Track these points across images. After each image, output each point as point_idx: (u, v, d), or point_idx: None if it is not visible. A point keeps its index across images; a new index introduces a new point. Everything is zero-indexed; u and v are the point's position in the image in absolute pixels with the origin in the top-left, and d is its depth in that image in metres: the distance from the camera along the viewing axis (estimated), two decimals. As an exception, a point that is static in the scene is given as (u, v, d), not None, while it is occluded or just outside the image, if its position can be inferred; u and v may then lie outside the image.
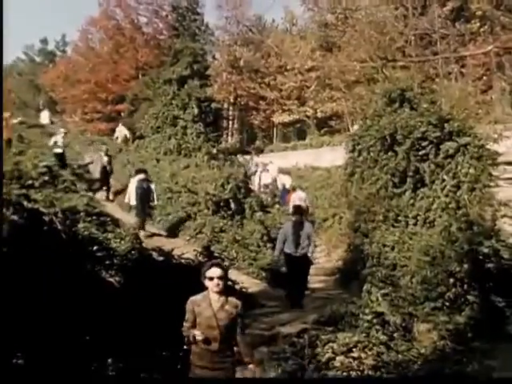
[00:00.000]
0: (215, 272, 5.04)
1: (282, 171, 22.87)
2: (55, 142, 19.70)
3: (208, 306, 4.99)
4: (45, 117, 32.86)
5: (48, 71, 49.34)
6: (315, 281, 13.19)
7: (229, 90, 38.40)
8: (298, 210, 11.92)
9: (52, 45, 59.50)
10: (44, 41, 59.85)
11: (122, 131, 30.38)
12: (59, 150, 19.49)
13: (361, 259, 13.06)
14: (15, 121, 22.18)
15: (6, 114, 20.70)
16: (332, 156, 23.79)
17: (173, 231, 16.32)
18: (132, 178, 16.70)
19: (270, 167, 22.74)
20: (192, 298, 5.13)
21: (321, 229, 17.77)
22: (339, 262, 14.63)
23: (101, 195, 18.94)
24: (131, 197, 16.04)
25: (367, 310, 8.14)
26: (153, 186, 16.27)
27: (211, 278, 5.02)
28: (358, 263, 13.04)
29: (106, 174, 19.56)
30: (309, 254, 11.00)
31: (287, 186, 21.08)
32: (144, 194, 15.67)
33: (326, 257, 16.17)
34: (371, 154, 15.10)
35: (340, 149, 20.14)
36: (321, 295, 12.11)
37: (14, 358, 6.20)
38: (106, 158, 19.64)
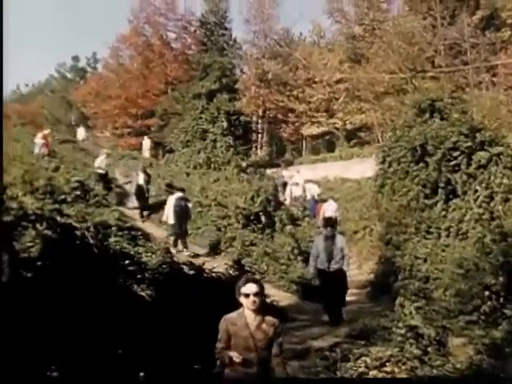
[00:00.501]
0: (251, 288, 4.67)
1: (309, 181, 22.77)
2: (99, 164, 19.80)
3: (244, 326, 4.61)
4: (81, 133, 33.37)
5: (79, 88, 50.21)
6: (347, 294, 13.08)
7: (257, 104, 38.52)
8: (328, 222, 11.18)
9: (83, 62, 60.58)
10: (75, 58, 60.95)
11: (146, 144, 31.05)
12: (103, 171, 19.57)
13: (392, 272, 12.90)
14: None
15: (46, 131, 21.04)
16: (362, 168, 23.66)
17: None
18: (170, 196, 16.51)
19: (297, 176, 22.70)
20: (226, 317, 4.73)
21: (351, 241, 17.62)
22: (370, 275, 14.43)
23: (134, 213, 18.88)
24: (169, 215, 15.76)
25: (400, 324, 8.00)
26: (190, 205, 16.21)
27: (247, 295, 4.64)
28: (390, 276, 12.87)
29: (142, 192, 19.01)
30: (344, 268, 10.43)
31: (315, 195, 21.04)
32: (182, 213, 15.47)
33: (357, 269, 15.97)
34: (402, 165, 14.99)
35: (370, 160, 20.06)
36: (352, 308, 11.96)
37: (48, 371, 6.25)
38: (142, 176, 19.12)
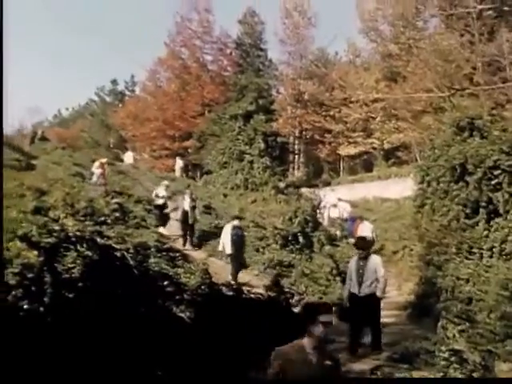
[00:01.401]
0: (330, 317, 4.11)
1: (340, 200, 22.62)
2: (157, 194, 19.13)
3: (304, 360, 4.02)
4: (129, 157, 33.80)
5: (118, 111, 51.14)
6: (386, 315, 12.86)
7: (294, 124, 38.63)
8: (360, 242, 10.67)
9: (122, 85, 61.84)
10: (114, 81, 62.27)
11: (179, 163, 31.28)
12: (160, 202, 18.98)
13: (434, 293, 12.65)
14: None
15: (103, 160, 21.04)
16: (400, 187, 23.46)
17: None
18: (226, 224, 15.88)
19: (330, 195, 22.59)
20: (281, 349, 4.13)
21: (391, 262, 17.40)
22: (411, 296, 14.17)
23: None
24: (226, 245, 15.01)
25: (443, 347, 7.81)
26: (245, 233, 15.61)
27: (325, 324, 4.06)
28: (431, 297, 12.62)
29: (187, 219, 18.01)
30: (378, 293, 9.56)
31: (346, 214, 20.87)
32: (239, 242, 14.82)
33: (396, 290, 15.75)
34: (441, 184, 14.79)
35: (408, 180, 19.86)
36: (393, 330, 11.76)
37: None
38: (189, 201, 18.22)
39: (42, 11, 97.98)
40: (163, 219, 18.67)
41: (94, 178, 19.89)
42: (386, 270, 17.01)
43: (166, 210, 19.38)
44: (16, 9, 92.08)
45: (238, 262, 14.85)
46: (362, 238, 11.70)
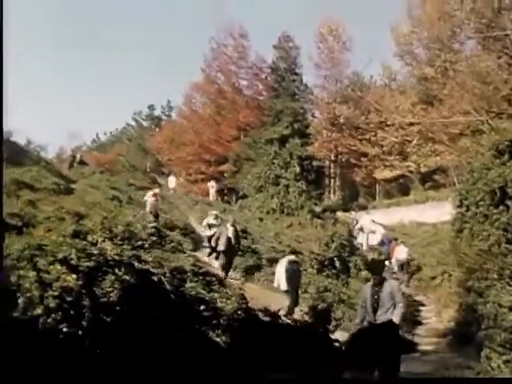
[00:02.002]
0: None
1: (373, 221, 22.41)
2: (208, 224, 18.56)
3: None
4: (172, 181, 34.16)
5: (155, 135, 51.90)
6: (425, 342, 12.62)
7: (329, 148, 38.51)
8: (373, 266, 10.31)
9: (158, 110, 62.80)
10: (151, 107, 63.31)
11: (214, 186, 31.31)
12: (210, 233, 18.12)
13: (475, 320, 12.31)
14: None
15: (156, 190, 21.07)
16: (438, 211, 23.16)
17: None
18: (281, 259, 15.17)
19: (365, 217, 22.39)
20: None
21: (429, 287, 17.10)
22: (451, 323, 13.87)
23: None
24: (281, 281, 14.15)
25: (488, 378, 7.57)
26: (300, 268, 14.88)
27: None
28: (472, 325, 12.28)
29: (231, 246, 17.06)
30: (394, 319, 8.81)
31: (380, 236, 20.64)
32: (295, 278, 14.02)
33: (436, 317, 15.46)
34: (480, 208, 14.50)
35: (446, 204, 19.56)
36: (432, 358, 11.50)
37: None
38: (232, 230, 17.28)
39: (81, 36, 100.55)
40: (212, 249, 17.77)
41: (148, 208, 19.71)
42: (425, 296, 16.82)
43: (208, 234, 18.53)
44: (55, 33, 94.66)
45: (294, 299, 13.92)
46: (376, 262, 11.00)
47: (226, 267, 16.69)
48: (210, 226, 18.37)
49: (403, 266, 19.40)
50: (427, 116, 31.59)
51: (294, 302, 13.79)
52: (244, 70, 42.95)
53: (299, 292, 14.38)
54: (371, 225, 21.87)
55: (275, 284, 14.59)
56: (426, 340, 12.80)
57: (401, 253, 19.71)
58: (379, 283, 9.07)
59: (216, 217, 18.75)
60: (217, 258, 17.24)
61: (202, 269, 12.66)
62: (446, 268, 16.72)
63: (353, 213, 25.35)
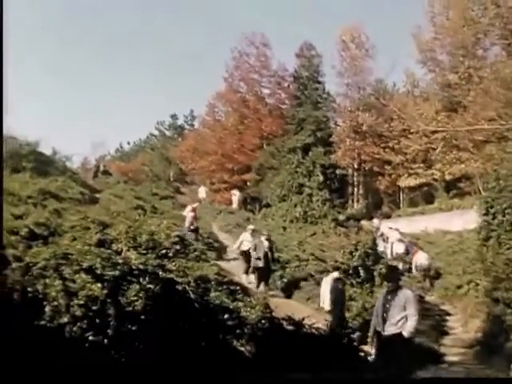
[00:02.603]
0: None
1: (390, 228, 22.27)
2: (242, 242, 17.80)
3: None
4: (202, 192, 34.26)
5: (178, 144, 52.19)
6: (452, 353, 12.44)
7: (353, 156, 38.35)
8: (388, 273, 9.52)
9: (181, 119, 63.22)
10: (174, 116, 63.75)
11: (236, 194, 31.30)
12: (245, 248, 17.41)
13: (503, 330, 12.14)
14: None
15: (194, 205, 20.82)
16: (463, 220, 22.88)
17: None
18: (325, 277, 15.00)
19: (382, 225, 22.25)
20: None
21: (455, 296, 16.88)
22: (478, 333, 13.66)
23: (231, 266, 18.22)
24: (325, 300, 14.04)
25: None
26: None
27: None
28: (500, 335, 12.11)
29: (267, 263, 16.52)
30: (404, 333, 8.16)
31: (396, 241, 20.51)
32: (339, 297, 13.67)
33: (462, 327, 15.23)
34: (507, 216, 14.35)
35: (472, 212, 19.35)
36: (459, 369, 11.33)
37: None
38: (267, 244, 16.79)
39: (104, 47, 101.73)
40: (249, 266, 17.11)
41: (187, 223, 19.33)
42: (451, 306, 16.59)
43: (243, 248, 17.68)
44: (81, 45, 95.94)
45: (338, 318, 13.53)
46: (391, 268, 10.60)
47: (263, 283, 16.12)
48: (246, 242, 17.61)
49: (424, 272, 19.30)
50: (451, 123, 31.30)
51: (341, 321, 13.22)
52: (266, 79, 43.07)
53: (345, 311, 13.76)
54: (391, 232, 21.76)
55: (321, 304, 14.38)
56: (453, 350, 12.62)
57: (421, 258, 19.59)
58: (393, 291, 8.45)
59: (253, 231, 18.10)
60: (246, 273, 16.94)
61: (226, 278, 12.69)
62: (473, 277, 16.50)
63: (375, 221, 25.14)
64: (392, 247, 20.84)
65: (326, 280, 14.30)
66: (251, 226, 18.93)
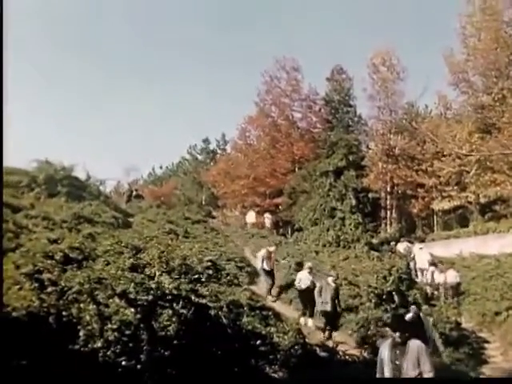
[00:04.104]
0: None
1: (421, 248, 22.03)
2: (300, 279, 16.32)
3: None
4: (251, 217, 34.29)
5: (210, 168, 52.46)
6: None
7: (385, 179, 38.01)
8: (395, 322, 7.76)
9: (213, 144, 63.70)
10: (206, 140, 64.29)
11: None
12: (303, 286, 16.10)
13: (545, 359, 11.77)
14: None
15: (271, 248, 19.15)
16: (500, 243, 22.44)
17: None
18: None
19: (415, 248, 22.02)
20: None
21: (494, 323, 16.46)
22: (519, 362, 13.27)
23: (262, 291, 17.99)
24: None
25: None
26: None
27: None
28: (542, 363, 11.74)
29: (336, 306, 15.03)
30: None
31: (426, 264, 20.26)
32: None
33: (502, 355, 14.78)
34: (546, 240, 13.98)
35: (508, 235, 18.97)
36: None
37: None
38: (333, 286, 15.21)
39: (137, 71, 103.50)
40: (309, 306, 15.80)
41: (259, 264, 18.72)
42: (490, 333, 16.16)
43: (302, 286, 16.10)
44: (114, 70, 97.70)
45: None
46: (399, 317, 8.83)
47: (330, 330, 14.47)
48: (304, 281, 16.18)
49: (453, 290, 19.05)
50: (485, 145, 30.89)
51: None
52: (298, 103, 43.09)
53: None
54: (419, 251, 21.60)
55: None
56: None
57: (451, 276, 19.35)
58: (402, 344, 7.13)
59: (310, 270, 16.66)
60: (304, 314, 15.72)
61: (259, 303, 12.62)
62: (511, 303, 16.11)
63: (405, 244, 24.70)
64: (432, 275, 20.40)
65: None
66: (309, 264, 17.24)
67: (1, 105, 5.80)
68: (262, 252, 18.80)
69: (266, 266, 18.35)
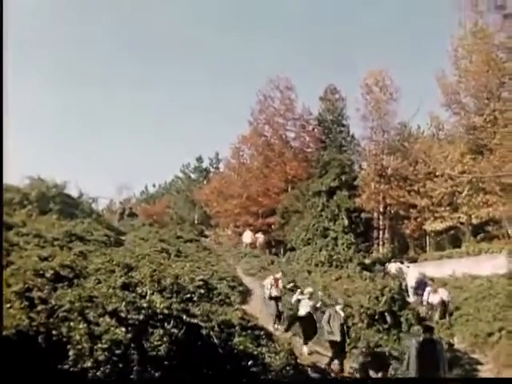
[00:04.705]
0: None
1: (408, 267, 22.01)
2: (298, 300, 16.08)
3: None
4: (247, 236, 34.23)
5: (203, 187, 52.46)
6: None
7: (378, 199, 38.08)
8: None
9: (206, 162, 63.73)
10: (199, 159, 64.29)
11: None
12: (303, 313, 15.62)
13: (539, 380, 11.70)
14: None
15: (277, 275, 18.63)
16: (492, 264, 22.43)
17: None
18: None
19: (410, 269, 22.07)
20: None
21: (486, 344, 16.40)
22: (512, 384, 13.15)
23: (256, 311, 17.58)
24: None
25: None
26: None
27: None
28: (536, 385, 11.67)
29: (345, 335, 14.31)
30: None
31: (414, 281, 20.22)
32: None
33: (496, 377, 14.69)
34: (539, 261, 14.00)
35: (501, 256, 18.98)
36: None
37: None
38: (342, 314, 14.52)
39: (130, 87, 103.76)
40: (309, 333, 15.33)
41: (266, 292, 18.05)
42: (482, 354, 16.08)
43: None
44: (107, 86, 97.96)
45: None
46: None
47: (341, 359, 13.65)
48: (304, 307, 15.72)
49: (443, 308, 19.04)
50: (477, 166, 31.08)
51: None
52: (291, 122, 43.25)
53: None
54: (408, 270, 21.60)
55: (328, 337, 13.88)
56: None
57: (443, 294, 19.34)
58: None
59: (311, 295, 16.14)
60: (306, 343, 15.04)
61: (250, 322, 12.53)
62: (504, 324, 16.07)
63: (395, 265, 24.65)
64: (428, 297, 20.29)
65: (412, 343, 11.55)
66: (309, 289, 16.63)
67: (1, 118, 5.78)
68: (269, 280, 18.17)
69: (274, 293, 17.67)
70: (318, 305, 16.17)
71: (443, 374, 9.53)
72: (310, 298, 15.86)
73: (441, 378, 5.98)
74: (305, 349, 14.58)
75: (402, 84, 63.91)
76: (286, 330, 15.81)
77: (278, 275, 18.74)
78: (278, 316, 17.27)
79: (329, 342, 14.10)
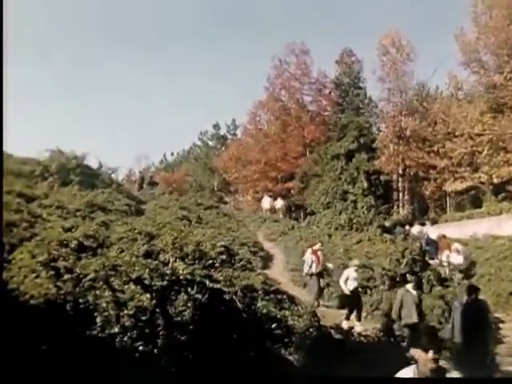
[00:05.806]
0: None
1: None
2: (347, 278, 14.85)
3: None
4: (266, 202, 34.40)
5: (221, 154, 52.45)
6: (507, 362, 12.08)
7: (397, 161, 37.81)
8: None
9: (224, 129, 63.57)
10: (216, 126, 64.12)
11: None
12: (351, 288, 14.71)
13: None
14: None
15: (315, 246, 17.01)
16: (513, 224, 22.32)
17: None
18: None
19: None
20: None
21: (508, 303, 16.42)
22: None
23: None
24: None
25: None
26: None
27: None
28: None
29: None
30: None
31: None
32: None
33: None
34: (561, 219, 13.88)
35: (522, 215, 18.85)
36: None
37: None
38: (415, 293, 12.62)
39: (144, 57, 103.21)
40: (357, 309, 14.52)
41: (306, 268, 16.67)
42: (504, 313, 16.11)
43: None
44: (119, 55, 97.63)
45: None
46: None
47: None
48: (351, 281, 14.85)
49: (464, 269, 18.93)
50: (497, 124, 30.63)
51: None
52: (307, 86, 42.88)
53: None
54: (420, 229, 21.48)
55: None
56: (508, 360, 12.24)
57: (455, 256, 19.22)
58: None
59: (357, 268, 15.43)
60: (348, 318, 14.10)
61: (273, 287, 12.66)
62: (526, 282, 16.07)
63: (417, 227, 24.54)
64: (448, 258, 20.19)
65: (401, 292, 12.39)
66: (356, 262, 15.77)
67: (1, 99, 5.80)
68: (308, 254, 16.75)
69: (315, 269, 16.36)
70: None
71: (488, 336, 9.37)
72: (356, 271, 15.05)
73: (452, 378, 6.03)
74: (344, 324, 13.59)
75: (419, 44, 62.94)
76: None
77: (317, 246, 17.15)
78: (320, 292, 16.27)
79: (406, 326, 12.34)
